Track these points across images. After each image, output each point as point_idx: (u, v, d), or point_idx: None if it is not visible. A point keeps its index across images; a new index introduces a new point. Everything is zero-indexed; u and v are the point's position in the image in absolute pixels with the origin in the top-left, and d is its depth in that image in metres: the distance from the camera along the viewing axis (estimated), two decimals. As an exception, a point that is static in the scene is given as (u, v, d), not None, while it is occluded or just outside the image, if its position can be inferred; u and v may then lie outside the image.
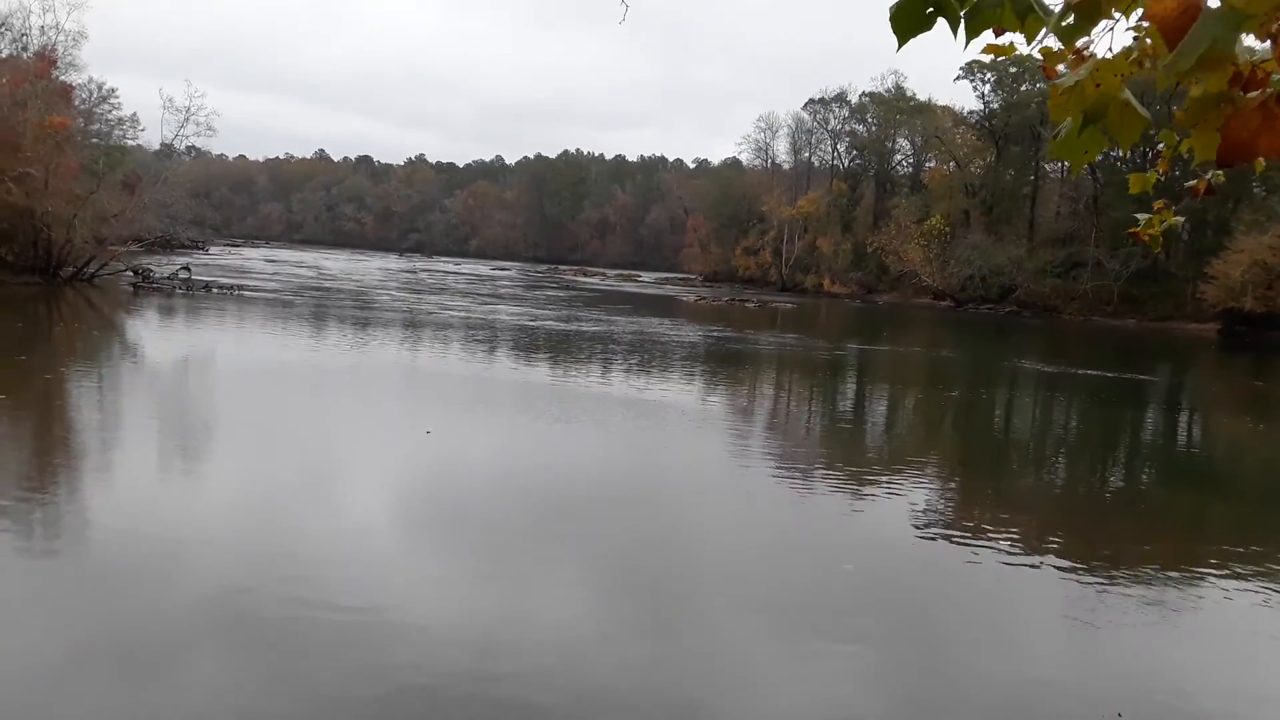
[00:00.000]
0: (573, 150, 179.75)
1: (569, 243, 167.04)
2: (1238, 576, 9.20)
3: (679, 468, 12.97)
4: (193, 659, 6.01)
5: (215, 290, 37.10)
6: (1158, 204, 3.37)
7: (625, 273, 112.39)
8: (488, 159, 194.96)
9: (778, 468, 13.32)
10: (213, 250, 73.34)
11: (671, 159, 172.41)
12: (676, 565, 8.66)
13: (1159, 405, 25.16)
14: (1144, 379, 30.49)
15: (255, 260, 71.30)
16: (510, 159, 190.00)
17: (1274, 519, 12.55)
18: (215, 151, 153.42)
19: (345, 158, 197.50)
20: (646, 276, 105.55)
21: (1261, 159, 2.26)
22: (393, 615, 6.84)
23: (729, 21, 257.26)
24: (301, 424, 13.85)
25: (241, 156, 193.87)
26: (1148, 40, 2.05)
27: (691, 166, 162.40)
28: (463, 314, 36.76)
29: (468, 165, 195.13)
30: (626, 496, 11.20)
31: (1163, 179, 3.13)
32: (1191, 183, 3.25)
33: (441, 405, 16.51)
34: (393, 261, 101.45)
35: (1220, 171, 3.17)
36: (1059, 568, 9.25)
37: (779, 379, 25.42)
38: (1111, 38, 2.02)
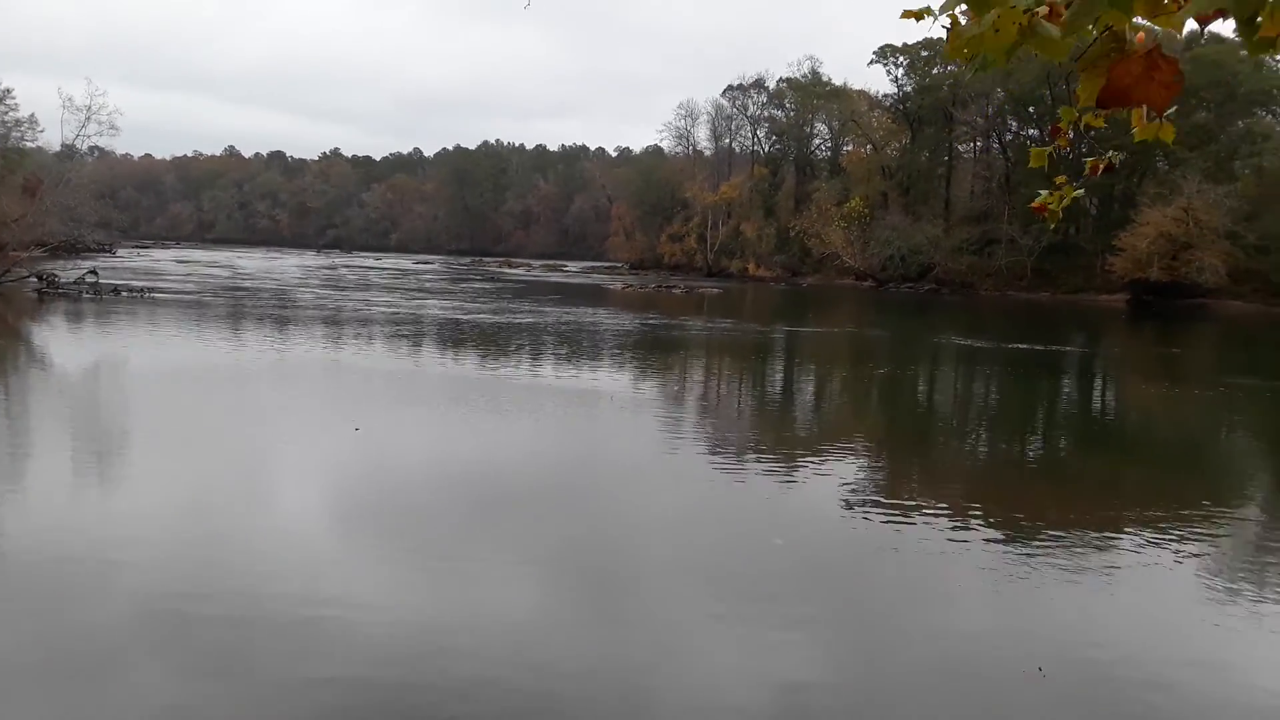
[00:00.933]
0: (493, 141, 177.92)
1: (492, 234, 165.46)
2: (1152, 537, 9.61)
3: (613, 454, 13.00)
4: (133, 669, 5.86)
5: (125, 294, 35.83)
6: (1059, 179, 3.45)
7: (551, 263, 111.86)
8: (405, 151, 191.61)
9: (711, 450, 13.45)
10: (121, 252, 70.77)
11: (593, 148, 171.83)
12: (616, 550, 8.70)
13: (1074, 375, 26.05)
14: (1059, 350, 31.53)
15: (166, 261, 69.06)
16: (428, 151, 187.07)
17: (1183, 481, 13.11)
18: (120, 151, 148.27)
19: (257, 154, 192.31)
20: (572, 266, 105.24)
21: (1170, 131, 2.34)
22: (336, 614, 6.76)
23: (650, 11, 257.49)
24: (225, 427, 13.49)
25: (148, 155, 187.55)
26: None
27: (613, 155, 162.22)
28: (387, 309, 36.20)
29: (385, 158, 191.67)
30: (563, 484, 11.19)
31: (1062, 153, 3.17)
32: (1089, 159, 3.33)
33: (369, 402, 16.25)
34: (310, 258, 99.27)
35: (1115, 152, 3.28)
36: (984, 534, 9.53)
37: (709, 363, 25.63)
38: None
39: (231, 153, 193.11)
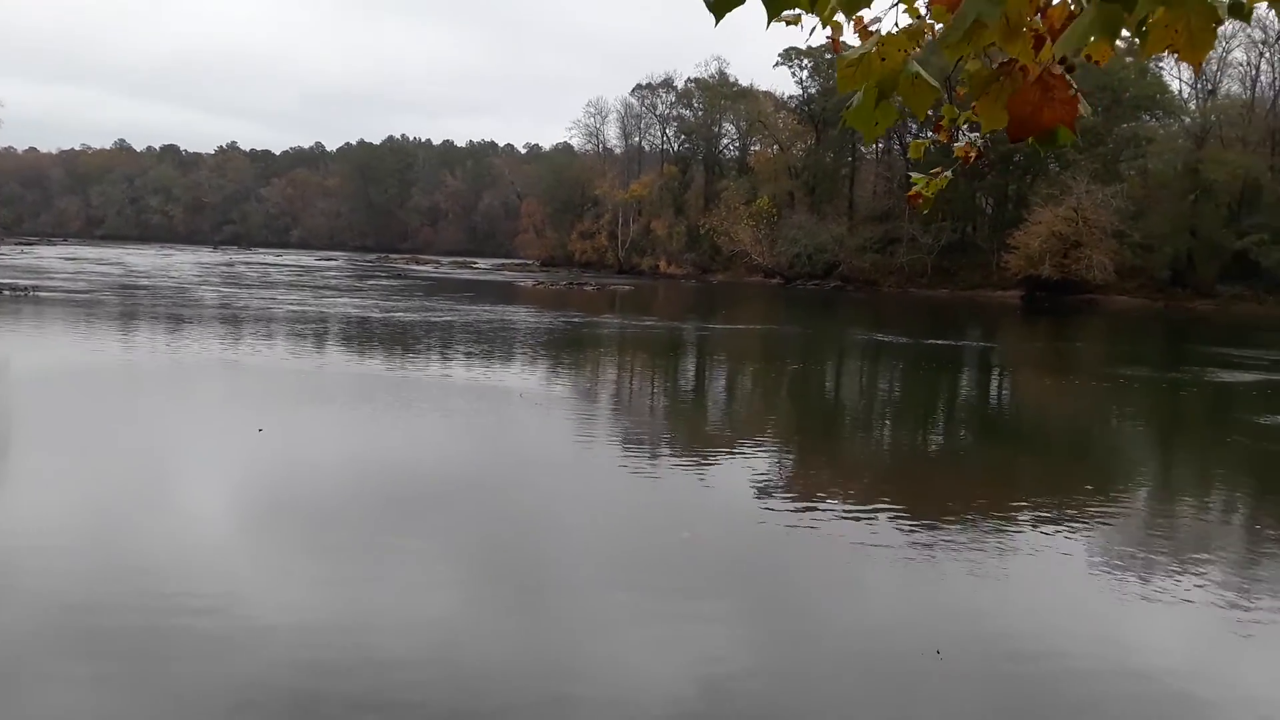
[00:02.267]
0: (399, 136, 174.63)
1: (399, 231, 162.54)
2: (1048, 522, 10.02)
3: (526, 451, 12.92)
4: (46, 680, 5.58)
5: (8, 293, 34.03)
6: (935, 169, 3.55)
7: (460, 260, 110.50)
8: (307, 146, 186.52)
9: (624, 446, 13.48)
10: (2, 249, 67.15)
11: (502, 144, 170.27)
12: (533, 546, 8.65)
13: (973, 368, 26.96)
14: (958, 344, 32.59)
15: (52, 259, 65.76)
16: (331, 146, 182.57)
17: (1076, 468, 13.70)
18: (2, 144, 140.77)
19: (149, 147, 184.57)
20: (482, 263, 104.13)
21: (1067, 131, 2.43)
22: (252, 617, 6.60)
23: (560, 11, 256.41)
24: (121, 431, 12.93)
25: (32, 149, 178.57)
26: (927, 18, 2.11)
27: (523, 152, 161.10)
28: (289, 307, 35.22)
29: (285, 153, 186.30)
30: (476, 482, 11.07)
31: (943, 147, 3.27)
32: (960, 143, 3.43)
33: (272, 402, 15.79)
34: (206, 255, 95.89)
35: (978, 135, 3.40)
36: (890, 523, 9.78)
37: (621, 360, 25.68)
38: (896, 15, 2.11)
39: (122, 146, 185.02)
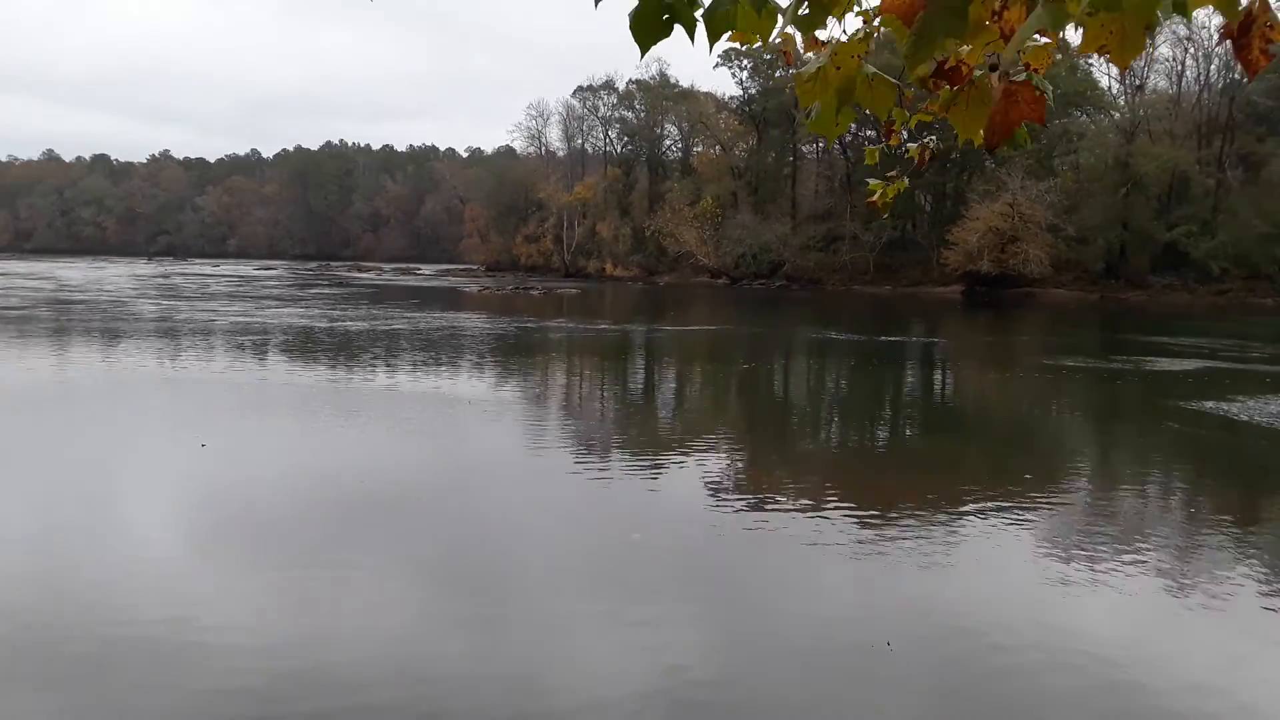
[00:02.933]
0: (336, 142, 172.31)
1: (340, 238, 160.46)
2: (993, 512, 10.21)
3: (476, 458, 12.81)
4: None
5: (-69, 309, 32.83)
6: (891, 174, 3.61)
7: (404, 266, 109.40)
8: (242, 153, 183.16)
9: (575, 450, 13.44)
10: (-76, 264, 64.79)
11: (443, 148, 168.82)
12: (487, 554, 8.57)
13: (917, 363, 27.38)
14: (902, 340, 33.07)
15: (-22, 273, 63.64)
16: (267, 153, 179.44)
17: (1018, 457, 13.98)
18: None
19: (79, 158, 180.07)
20: (426, 269, 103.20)
21: (1024, 133, 2.46)
22: (205, 634, 6.47)
23: (498, 13, 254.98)
24: (60, 447, 12.54)
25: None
26: (876, 22, 2.13)
27: (465, 155, 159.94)
28: (229, 318, 34.52)
29: (220, 160, 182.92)
30: (427, 491, 10.94)
31: (894, 151, 3.30)
32: (913, 145, 3.48)
33: (214, 415, 15.44)
34: (141, 267, 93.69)
35: (931, 137, 3.46)
36: (841, 518, 9.89)
37: (570, 364, 25.60)
38: (843, 21, 2.14)
39: (51, 156, 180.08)
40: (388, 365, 22.88)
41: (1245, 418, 16.39)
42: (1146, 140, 64.58)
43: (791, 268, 74.60)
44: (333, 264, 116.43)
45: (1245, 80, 64.38)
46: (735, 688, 6.04)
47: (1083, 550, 8.96)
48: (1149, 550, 9.00)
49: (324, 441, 13.47)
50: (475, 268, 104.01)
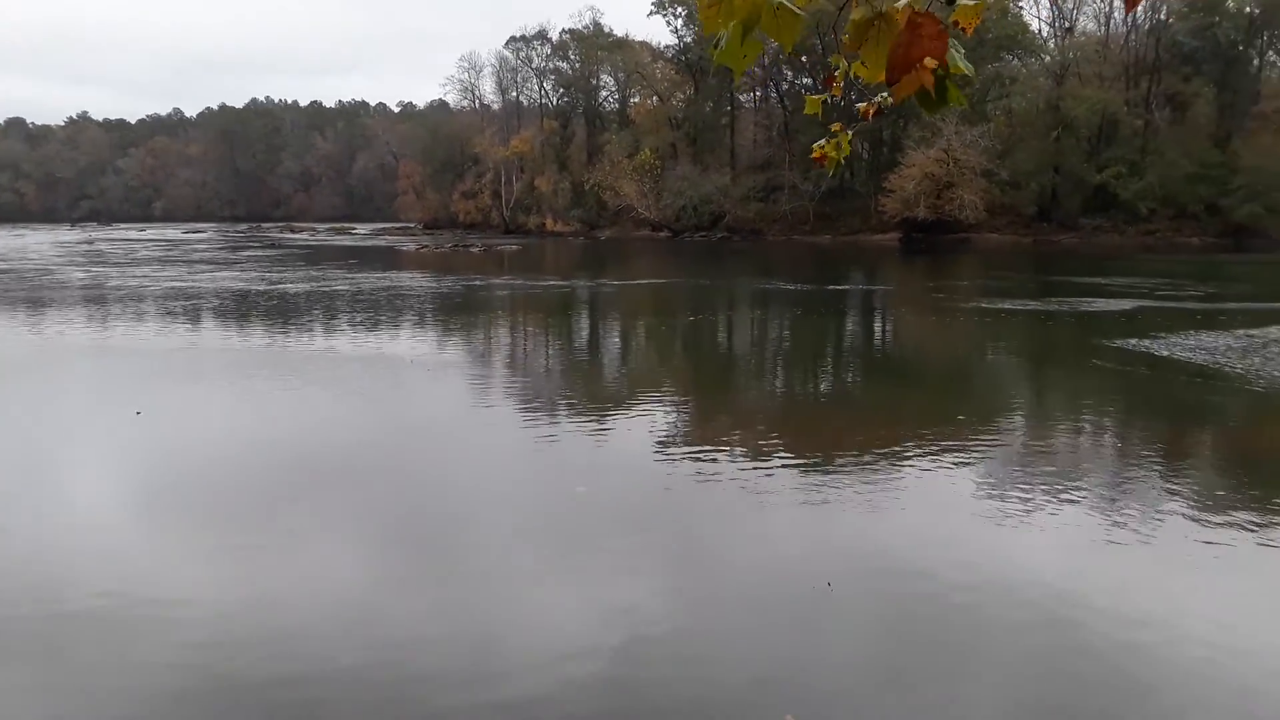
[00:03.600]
0: (263, 99, 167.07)
1: (270, 198, 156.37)
2: (933, 454, 10.44)
3: (422, 417, 12.69)
4: None
5: None
6: (835, 126, 3.55)
7: (338, 226, 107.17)
8: (164, 113, 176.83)
9: (522, 407, 13.38)
10: None
11: (374, 103, 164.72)
12: (435, 512, 8.54)
13: (858, 310, 27.71)
14: (843, 288, 33.42)
15: (-113, 244, 60.87)
16: (191, 112, 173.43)
17: (957, 402, 14.28)
18: None
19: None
20: (361, 228, 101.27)
21: (958, 93, 2.43)
22: (156, 601, 6.42)
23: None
24: (-23, 424, 12.11)
25: None
26: None
27: (396, 111, 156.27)
28: (158, 283, 33.54)
29: (141, 121, 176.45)
30: (372, 452, 10.81)
31: (835, 101, 3.25)
32: (860, 105, 3.46)
33: (148, 383, 15.05)
34: (64, 233, 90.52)
35: (887, 95, 3.44)
36: (786, 465, 10.03)
37: (514, 321, 25.42)
38: None
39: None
40: (326, 327, 22.48)
41: (1170, 354, 16.92)
42: (1076, 83, 65.51)
43: (732, 219, 74.69)
44: (264, 225, 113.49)
45: (1170, 20, 65.61)
46: (686, 634, 6.13)
47: (1019, 489, 9.21)
48: (1083, 487, 9.29)
49: (264, 406, 13.22)
50: (412, 226, 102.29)
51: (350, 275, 38.07)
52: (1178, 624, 6.25)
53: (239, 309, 26.17)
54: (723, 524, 8.35)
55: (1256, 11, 64.44)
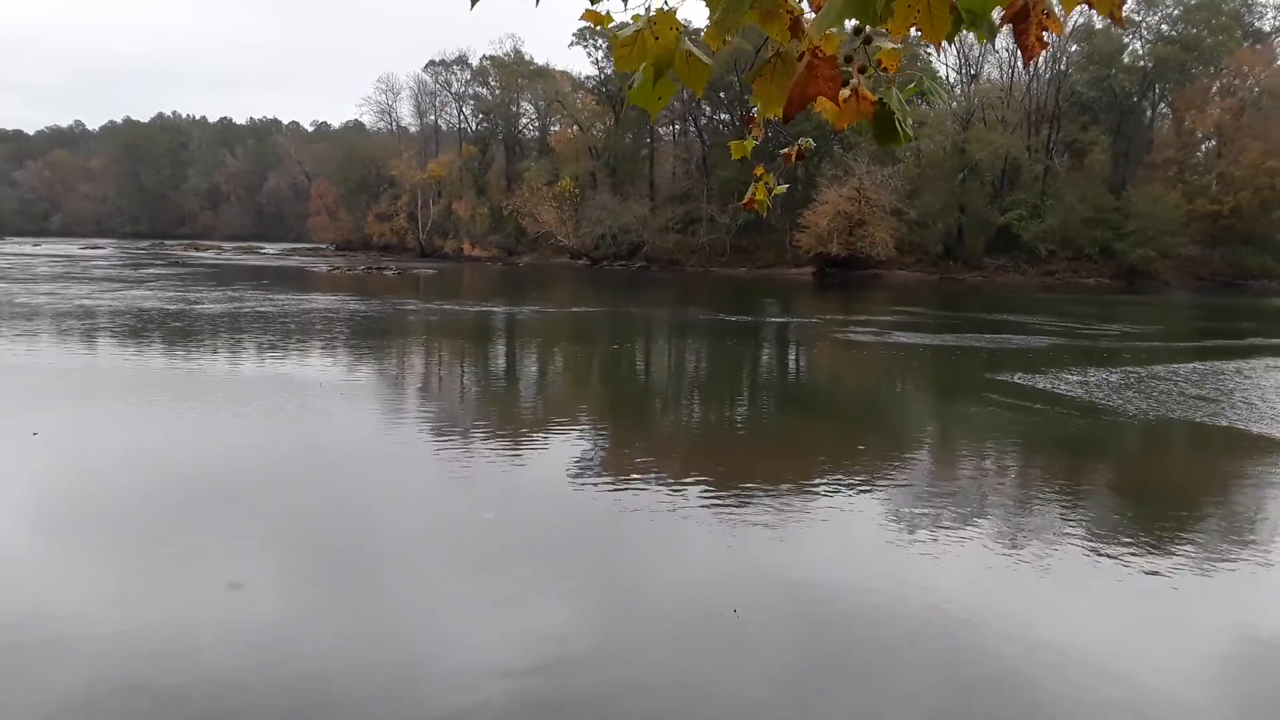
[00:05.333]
0: (169, 114, 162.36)
1: (175, 215, 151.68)
2: (841, 483, 10.67)
3: (330, 442, 12.41)
4: None
5: None
6: (758, 169, 3.62)
7: (246, 245, 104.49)
8: (65, 125, 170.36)
9: (434, 433, 13.21)
10: None
11: (287, 122, 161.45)
12: (346, 537, 8.35)
13: (772, 342, 28.19)
14: (758, 320, 33.95)
15: None
16: (93, 125, 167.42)
17: (863, 432, 14.62)
18: None
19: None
20: (271, 248, 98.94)
21: (906, 132, 2.53)
22: (60, 631, 6.15)
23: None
24: None
25: None
26: None
27: (310, 130, 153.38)
28: (53, 300, 32.13)
29: (40, 132, 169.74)
30: (280, 476, 10.53)
31: (758, 142, 3.32)
32: (784, 150, 3.55)
33: (48, 403, 14.38)
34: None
35: (809, 139, 3.55)
36: (699, 493, 10.11)
37: (428, 346, 25.09)
38: None
39: None
40: (231, 349, 21.85)
41: (1059, 389, 17.65)
42: (982, 128, 68.24)
43: (651, 249, 75.28)
44: (167, 242, 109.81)
45: (1069, 71, 68.98)
46: (595, 659, 6.11)
47: (921, 516, 9.47)
48: (980, 515, 9.60)
49: (167, 428, 12.76)
50: (324, 247, 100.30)
51: (258, 296, 37.09)
52: (1072, 644, 6.49)
53: (140, 328, 25.24)
54: (635, 550, 8.37)
55: (1150, 65, 68.28)
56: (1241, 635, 6.79)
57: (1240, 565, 8.25)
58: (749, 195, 3.60)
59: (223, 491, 9.72)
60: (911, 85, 2.36)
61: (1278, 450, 13.11)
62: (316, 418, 14.01)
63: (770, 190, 3.61)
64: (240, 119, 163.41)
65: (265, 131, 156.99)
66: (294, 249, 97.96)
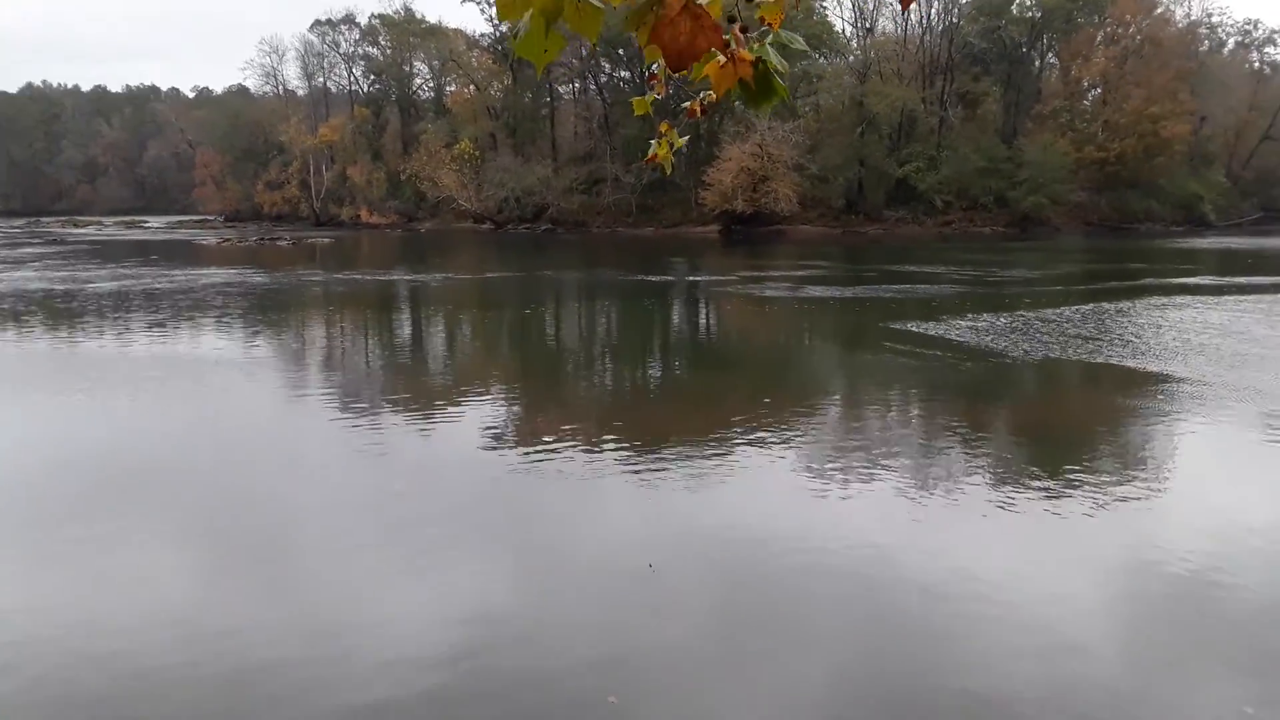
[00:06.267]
0: (39, 84, 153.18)
1: (50, 191, 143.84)
2: (752, 438, 10.76)
3: (232, 421, 11.95)
4: None
5: None
6: (662, 125, 3.51)
7: (128, 219, 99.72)
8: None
9: (340, 406, 12.84)
10: None
11: (166, 89, 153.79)
12: (256, 518, 8.09)
13: (681, 300, 28.24)
14: (666, 279, 33.97)
15: None
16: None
17: (774, 387, 14.78)
18: None
19: None
20: (155, 221, 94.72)
21: (783, 86, 2.42)
22: None
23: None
24: None
25: None
26: None
27: (191, 96, 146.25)
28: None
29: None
30: (183, 458, 10.07)
31: (660, 99, 3.20)
32: (686, 104, 3.44)
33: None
34: None
35: (707, 93, 3.44)
36: (616, 455, 10.08)
37: (329, 317, 24.35)
38: None
39: None
40: (121, 328, 20.82)
41: (953, 335, 18.15)
42: (878, 81, 69.20)
43: (556, 211, 74.45)
44: (43, 220, 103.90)
45: (960, 23, 70.37)
46: (513, 621, 6.09)
47: (832, 464, 9.65)
48: (888, 460, 9.82)
49: (58, 414, 12.10)
50: (212, 218, 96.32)
51: (144, 271, 35.44)
52: (976, 578, 6.72)
53: (21, 310, 23.81)
54: (551, 512, 8.32)
55: (1038, 15, 70.08)
56: (1127, 561, 7.11)
57: (1122, 495, 8.65)
58: (651, 151, 3.52)
59: (121, 477, 9.29)
60: (784, 39, 2.27)
61: (1152, 383, 13.75)
62: (216, 396, 13.46)
63: (673, 146, 3.51)
64: (115, 87, 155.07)
65: (143, 99, 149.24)
66: (180, 221, 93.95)
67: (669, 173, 3.90)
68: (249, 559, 7.25)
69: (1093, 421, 12.14)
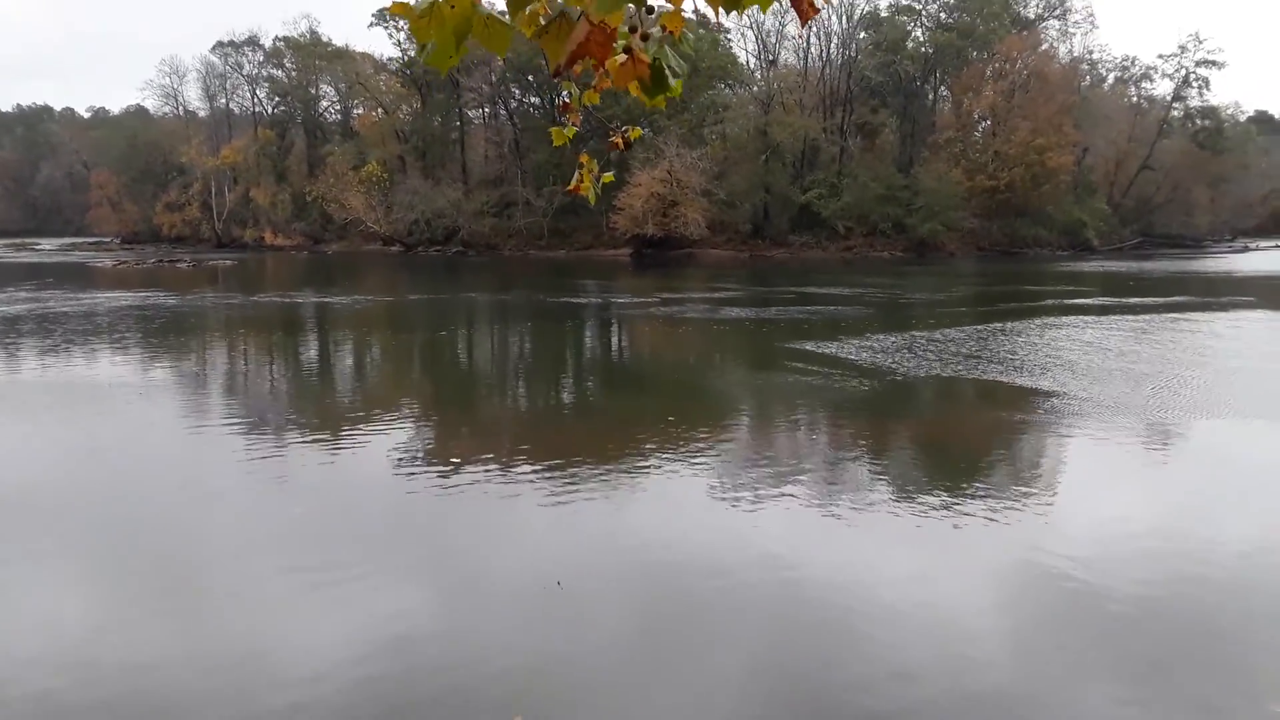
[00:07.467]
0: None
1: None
2: (664, 457, 11.01)
3: (129, 448, 11.65)
4: None
5: None
6: (582, 157, 3.67)
7: (18, 241, 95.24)
8: None
9: (245, 431, 12.64)
10: None
11: (59, 109, 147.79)
12: (158, 547, 7.92)
13: (593, 323, 28.46)
14: (577, 302, 34.17)
15: None
16: None
17: (683, 406, 15.08)
18: None
19: None
20: (47, 244, 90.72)
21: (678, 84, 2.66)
22: None
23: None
24: None
25: None
26: None
27: (87, 116, 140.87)
28: None
29: None
30: (77, 487, 9.80)
31: (576, 129, 3.37)
32: (613, 138, 3.64)
33: None
34: None
35: (637, 127, 3.65)
36: (530, 474, 10.19)
37: (231, 341, 23.79)
38: None
39: None
40: (11, 354, 20.00)
41: (848, 355, 18.82)
42: (781, 111, 71.03)
43: (467, 234, 73.99)
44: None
45: (859, 57, 72.82)
46: (424, 638, 6.13)
47: (742, 480, 9.95)
48: (798, 475, 10.17)
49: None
50: (108, 240, 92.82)
51: (34, 295, 34.01)
52: (880, 584, 7.05)
53: (-107, 335, 22.62)
54: (461, 532, 8.38)
55: (931, 51, 73.08)
56: (1015, 564, 7.57)
57: (1009, 503, 9.16)
58: (574, 183, 3.65)
59: (15, 510, 8.97)
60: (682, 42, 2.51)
61: (1028, 397, 14.55)
62: (114, 422, 13.10)
63: (598, 179, 3.66)
64: (5, 106, 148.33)
65: (35, 119, 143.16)
66: (74, 244, 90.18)
67: (594, 202, 4.09)
68: (148, 589, 7.10)
69: (976, 435, 12.79)
